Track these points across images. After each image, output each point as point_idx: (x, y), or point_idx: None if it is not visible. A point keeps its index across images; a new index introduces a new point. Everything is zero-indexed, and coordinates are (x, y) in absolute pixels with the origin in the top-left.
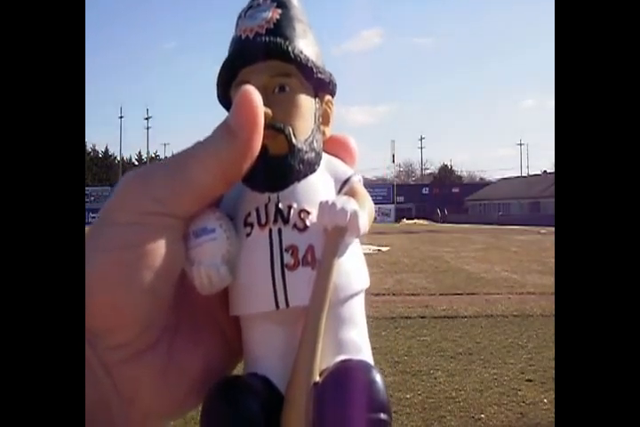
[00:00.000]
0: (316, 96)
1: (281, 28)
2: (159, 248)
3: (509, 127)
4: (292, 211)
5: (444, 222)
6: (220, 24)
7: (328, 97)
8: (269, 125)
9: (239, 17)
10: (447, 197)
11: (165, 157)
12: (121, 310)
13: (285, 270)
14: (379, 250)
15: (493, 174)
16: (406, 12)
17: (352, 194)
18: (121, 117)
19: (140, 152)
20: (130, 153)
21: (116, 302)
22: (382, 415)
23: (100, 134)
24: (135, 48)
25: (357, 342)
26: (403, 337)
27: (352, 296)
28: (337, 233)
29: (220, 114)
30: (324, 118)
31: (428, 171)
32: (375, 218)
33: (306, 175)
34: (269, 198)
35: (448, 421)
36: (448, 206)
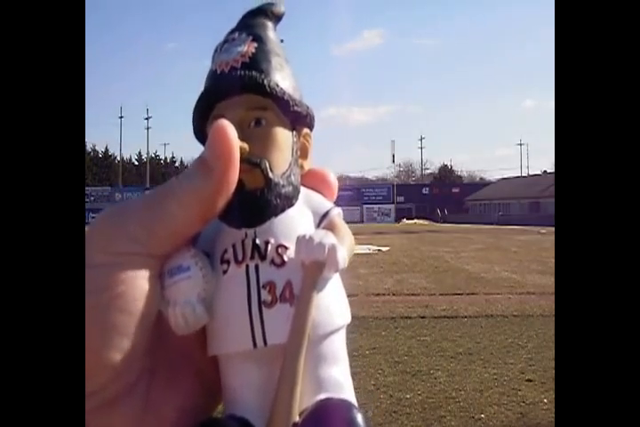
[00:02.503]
0: (293, 129)
1: (257, 62)
2: (134, 290)
3: (509, 127)
4: (269, 246)
5: (443, 222)
6: (222, 25)
7: (306, 130)
8: (245, 160)
9: (215, 51)
10: (447, 197)
11: (141, 195)
12: (93, 356)
13: (263, 308)
14: (379, 250)
15: (493, 174)
16: (408, 13)
17: (331, 228)
18: (121, 117)
19: (139, 152)
20: (130, 153)
21: (88, 347)
22: None
23: (100, 134)
24: (136, 48)
25: (339, 379)
26: (403, 337)
27: (333, 332)
28: (315, 268)
29: None
30: (302, 152)
31: (428, 171)
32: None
33: (283, 210)
34: (246, 234)
35: (448, 421)
36: (448, 206)
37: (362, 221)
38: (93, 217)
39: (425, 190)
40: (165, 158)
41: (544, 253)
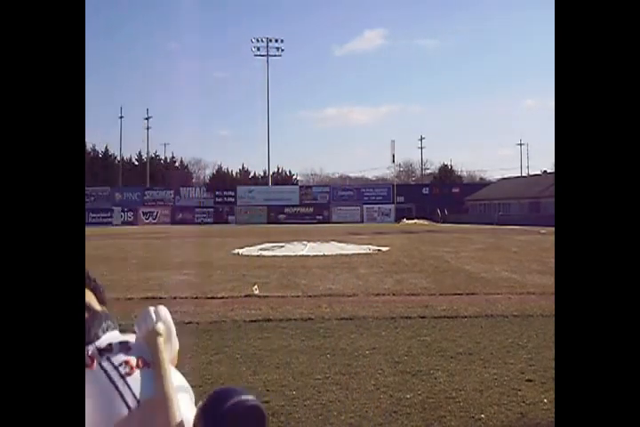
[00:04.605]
0: None
1: None
2: None
3: (509, 127)
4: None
5: (443, 222)
6: (222, 24)
7: None
8: None
9: None
10: (447, 197)
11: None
12: None
13: (126, 378)
14: (379, 250)
15: (493, 174)
16: (410, 14)
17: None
18: (121, 117)
19: (140, 152)
20: (130, 153)
21: None
22: None
23: (100, 134)
24: (137, 48)
25: None
26: (403, 337)
27: None
28: (153, 333)
29: (220, 113)
30: None
31: (428, 171)
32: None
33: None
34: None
35: (448, 421)
36: (448, 206)
37: (362, 221)
38: (94, 217)
39: (425, 190)
40: (165, 158)
41: (544, 253)
